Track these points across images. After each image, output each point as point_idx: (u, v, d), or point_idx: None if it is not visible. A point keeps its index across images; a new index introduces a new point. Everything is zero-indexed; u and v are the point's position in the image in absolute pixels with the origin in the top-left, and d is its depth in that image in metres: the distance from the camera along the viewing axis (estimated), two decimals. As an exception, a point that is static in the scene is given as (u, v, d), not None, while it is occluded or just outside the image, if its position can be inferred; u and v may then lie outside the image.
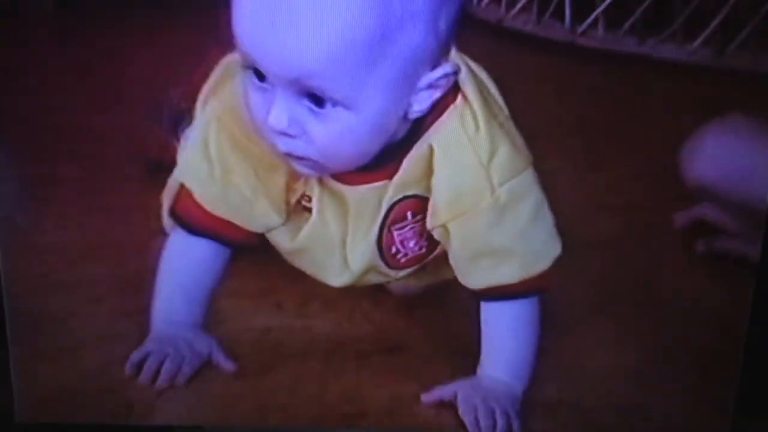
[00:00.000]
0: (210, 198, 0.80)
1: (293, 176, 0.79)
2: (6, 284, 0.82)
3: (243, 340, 0.86)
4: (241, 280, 0.89)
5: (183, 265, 0.84)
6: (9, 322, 0.82)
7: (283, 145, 0.71)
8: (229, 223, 0.81)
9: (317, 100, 0.68)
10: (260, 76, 0.69)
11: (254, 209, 0.81)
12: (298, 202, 0.81)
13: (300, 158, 0.71)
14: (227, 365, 0.81)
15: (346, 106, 0.68)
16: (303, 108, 0.69)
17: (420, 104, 0.73)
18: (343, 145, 0.71)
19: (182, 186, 0.80)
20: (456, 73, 0.73)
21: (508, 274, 0.79)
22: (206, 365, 0.82)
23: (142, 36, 1.42)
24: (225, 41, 0.74)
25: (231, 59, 0.77)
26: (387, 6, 0.66)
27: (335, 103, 0.68)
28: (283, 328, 0.90)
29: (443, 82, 0.71)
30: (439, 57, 0.70)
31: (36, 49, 1.40)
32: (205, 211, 0.80)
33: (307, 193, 0.80)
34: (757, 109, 1.09)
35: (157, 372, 0.78)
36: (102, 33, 1.44)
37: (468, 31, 0.73)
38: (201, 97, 0.82)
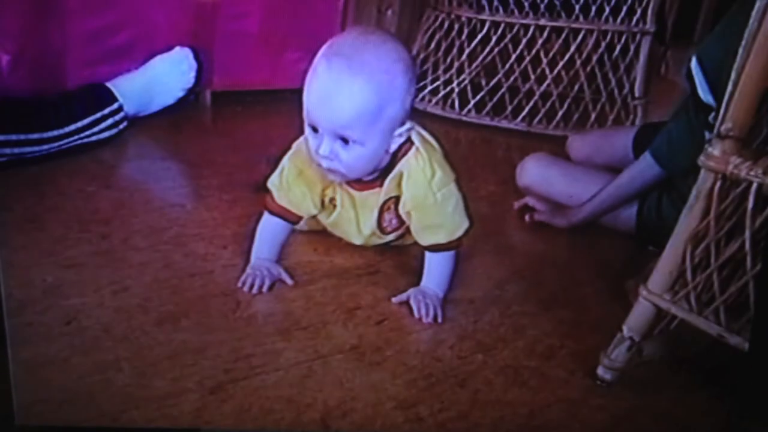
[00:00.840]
0: (278, 197, 0.88)
1: (325, 189, 0.87)
2: (5, 289, 0.69)
3: (297, 268, 0.90)
4: (295, 238, 0.93)
5: (266, 230, 0.89)
6: (8, 325, 0.64)
7: (325, 163, 0.79)
8: (288, 210, 0.88)
9: (345, 140, 0.76)
10: (315, 130, 0.77)
11: (302, 205, 0.88)
12: (329, 201, 0.88)
13: (333, 170, 0.80)
14: (289, 281, 0.88)
15: (360, 144, 0.76)
16: (337, 144, 0.76)
17: (394, 145, 0.81)
18: (357, 163, 0.79)
19: (269, 191, 0.90)
20: (411, 128, 0.80)
21: (442, 237, 0.85)
22: (278, 281, 0.86)
23: (257, 118, 1.57)
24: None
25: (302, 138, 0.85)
26: (383, 94, 0.74)
27: (354, 142, 0.76)
28: (318, 261, 0.94)
29: (405, 132, 0.81)
30: (404, 120, 0.79)
31: (200, 126, 1.52)
32: (277, 203, 0.88)
33: (333, 196, 0.88)
34: (548, 150, 1.16)
35: (252, 284, 0.84)
36: (237, 116, 1.56)
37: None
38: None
